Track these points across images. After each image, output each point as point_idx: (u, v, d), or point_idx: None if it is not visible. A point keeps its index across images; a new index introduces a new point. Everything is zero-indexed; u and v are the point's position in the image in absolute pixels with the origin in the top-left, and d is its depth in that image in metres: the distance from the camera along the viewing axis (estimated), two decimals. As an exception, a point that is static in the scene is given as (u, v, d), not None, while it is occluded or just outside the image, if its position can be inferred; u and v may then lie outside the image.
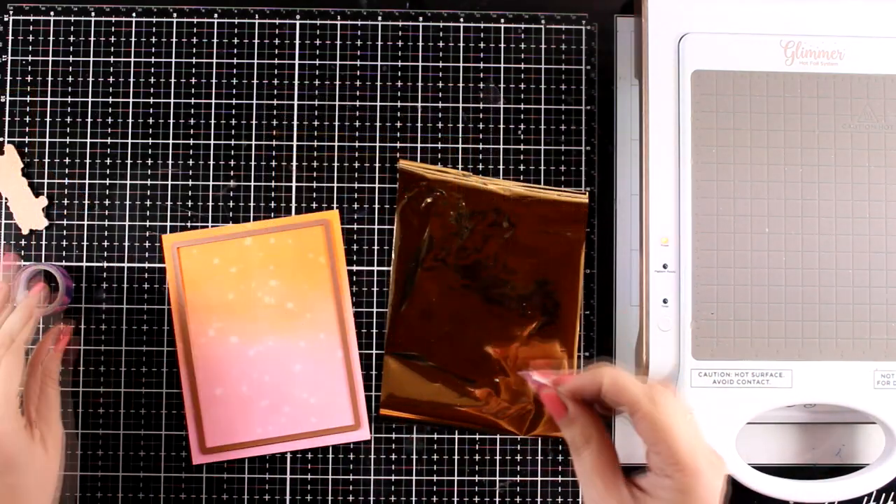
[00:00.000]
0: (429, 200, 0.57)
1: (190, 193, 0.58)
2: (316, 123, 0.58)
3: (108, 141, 0.58)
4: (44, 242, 0.57)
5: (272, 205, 0.58)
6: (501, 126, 0.59)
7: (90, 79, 0.58)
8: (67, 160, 0.58)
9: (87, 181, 0.58)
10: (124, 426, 0.57)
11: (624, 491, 0.37)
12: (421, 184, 0.57)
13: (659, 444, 0.36)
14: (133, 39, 0.58)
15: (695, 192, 0.52)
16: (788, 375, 0.52)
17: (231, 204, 0.58)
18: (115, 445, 0.57)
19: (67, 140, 0.58)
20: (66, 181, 0.57)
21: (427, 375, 0.57)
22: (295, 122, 0.58)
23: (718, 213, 0.52)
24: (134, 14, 0.58)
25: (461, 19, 0.59)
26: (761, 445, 0.58)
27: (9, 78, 0.58)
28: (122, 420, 0.57)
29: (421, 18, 0.59)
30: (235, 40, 0.58)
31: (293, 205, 0.58)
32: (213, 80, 0.58)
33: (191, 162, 0.58)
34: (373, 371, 0.57)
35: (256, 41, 0.58)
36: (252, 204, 0.58)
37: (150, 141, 0.58)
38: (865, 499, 0.57)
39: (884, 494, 0.57)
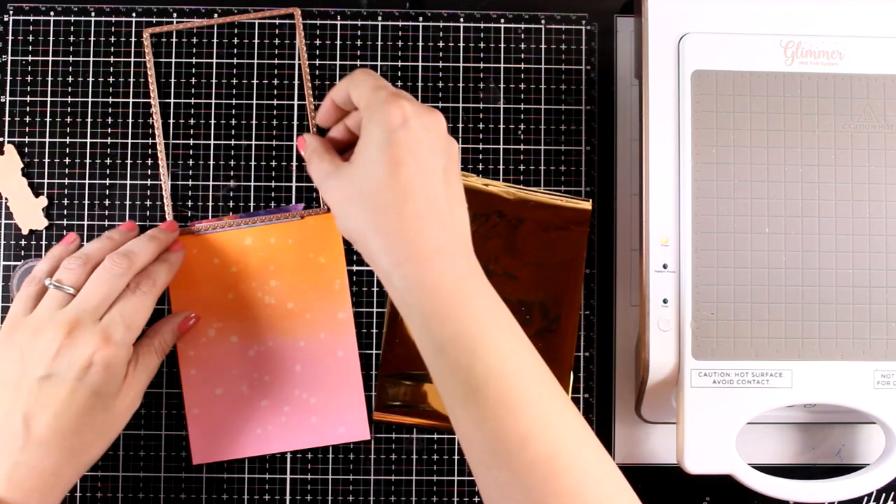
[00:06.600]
0: (429, 200, 0.57)
1: (190, 193, 0.58)
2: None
3: (108, 141, 0.58)
4: (44, 242, 0.57)
5: (272, 204, 0.58)
6: (501, 126, 0.59)
7: (90, 79, 0.58)
8: (67, 160, 0.58)
9: (87, 181, 0.58)
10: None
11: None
12: (421, 184, 0.57)
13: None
14: (133, 39, 0.58)
15: (695, 192, 0.52)
16: (788, 375, 0.52)
17: (231, 204, 0.58)
18: (114, 445, 0.57)
19: (67, 140, 0.58)
20: (66, 181, 0.57)
21: (423, 380, 0.57)
22: (294, 123, 0.58)
23: (718, 213, 0.52)
24: (134, 14, 0.58)
25: (461, 19, 0.59)
26: (761, 445, 0.58)
27: (9, 78, 0.58)
28: (122, 420, 0.57)
29: (421, 18, 0.59)
30: (235, 40, 0.58)
31: (293, 205, 0.58)
32: (213, 80, 0.58)
33: (191, 162, 0.58)
34: (372, 371, 0.57)
35: (256, 41, 0.58)
36: (252, 204, 0.58)
37: (150, 141, 0.58)
38: (865, 499, 0.57)
39: (884, 494, 0.57)
